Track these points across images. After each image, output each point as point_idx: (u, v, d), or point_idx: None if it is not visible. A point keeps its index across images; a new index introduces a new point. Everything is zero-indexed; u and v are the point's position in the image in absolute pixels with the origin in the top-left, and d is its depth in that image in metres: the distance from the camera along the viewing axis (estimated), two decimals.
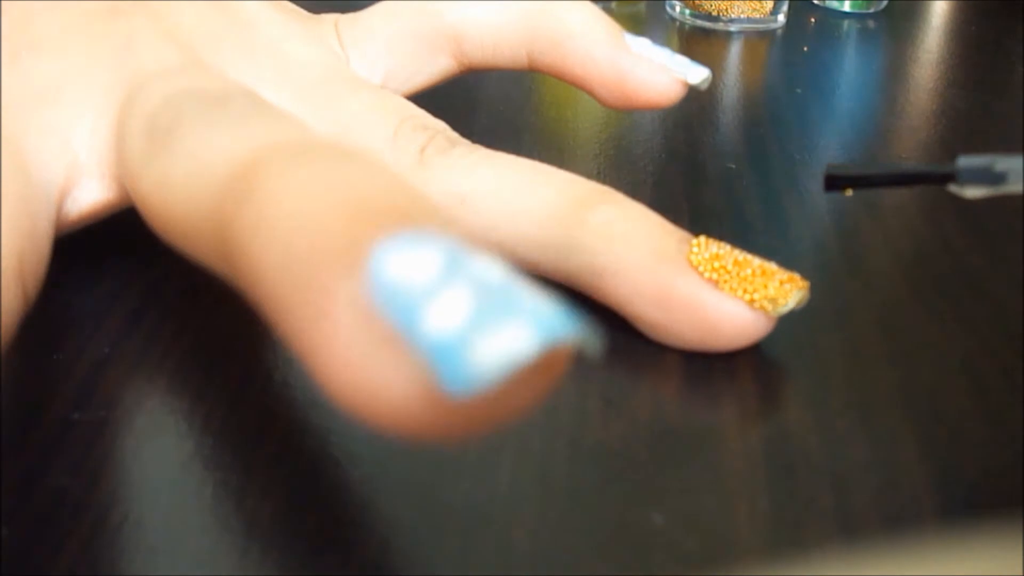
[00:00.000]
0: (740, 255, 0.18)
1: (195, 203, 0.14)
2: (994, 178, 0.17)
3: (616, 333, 0.19)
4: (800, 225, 0.24)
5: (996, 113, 0.32)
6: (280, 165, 0.13)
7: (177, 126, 0.16)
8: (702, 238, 0.19)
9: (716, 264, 0.18)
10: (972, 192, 0.17)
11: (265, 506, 0.15)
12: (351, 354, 0.10)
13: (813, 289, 0.21)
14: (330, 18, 0.24)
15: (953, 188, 0.17)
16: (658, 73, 0.22)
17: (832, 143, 0.29)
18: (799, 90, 0.34)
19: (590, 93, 0.23)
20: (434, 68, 0.24)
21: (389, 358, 0.10)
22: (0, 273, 0.15)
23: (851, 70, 0.38)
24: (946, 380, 0.18)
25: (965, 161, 0.17)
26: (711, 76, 0.23)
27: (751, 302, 0.18)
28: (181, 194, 0.15)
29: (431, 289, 0.10)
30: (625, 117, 0.31)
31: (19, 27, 0.21)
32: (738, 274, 0.18)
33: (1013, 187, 0.17)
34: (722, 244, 0.18)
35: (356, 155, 0.13)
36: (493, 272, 0.11)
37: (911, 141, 0.30)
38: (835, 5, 0.44)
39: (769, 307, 0.18)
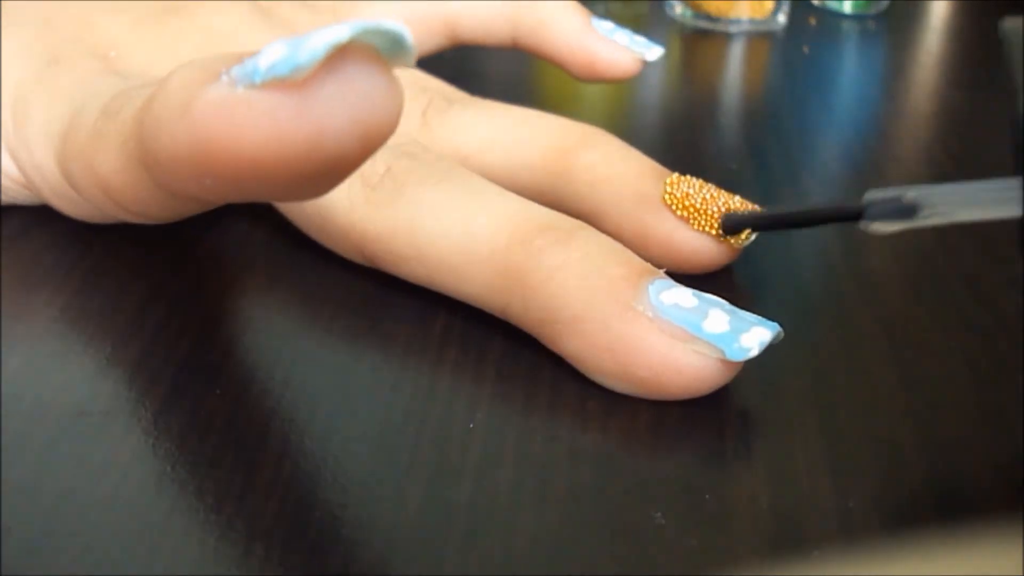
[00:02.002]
0: (708, 193, 0.20)
1: (464, 255, 0.18)
2: (905, 211, 0.15)
3: None
4: None
5: (996, 113, 0.32)
6: (555, 235, 0.18)
7: (403, 186, 0.19)
8: (675, 176, 0.21)
9: (687, 203, 0.20)
10: (886, 228, 0.15)
11: (267, 506, 0.15)
12: (658, 346, 0.17)
13: (813, 289, 0.21)
14: (327, 5, 0.26)
15: (865, 226, 0.16)
16: (620, 52, 0.26)
17: (832, 143, 0.30)
18: (799, 90, 0.34)
19: (563, 69, 0.27)
20: (428, 45, 0.28)
21: (687, 347, 0.17)
22: None
23: (851, 71, 0.38)
24: (946, 380, 0.18)
25: (872, 195, 0.16)
26: (664, 52, 0.27)
27: (717, 236, 0.20)
28: (442, 244, 0.18)
29: (701, 308, 0.17)
30: (626, 117, 0.31)
31: (86, 30, 0.21)
32: (705, 211, 0.20)
33: (928, 219, 0.15)
34: (692, 182, 0.21)
35: (590, 227, 0.18)
36: (719, 299, 0.17)
37: (911, 141, 0.30)
38: (836, 6, 0.44)
39: (732, 240, 0.20)
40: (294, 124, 0.13)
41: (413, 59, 0.13)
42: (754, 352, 0.16)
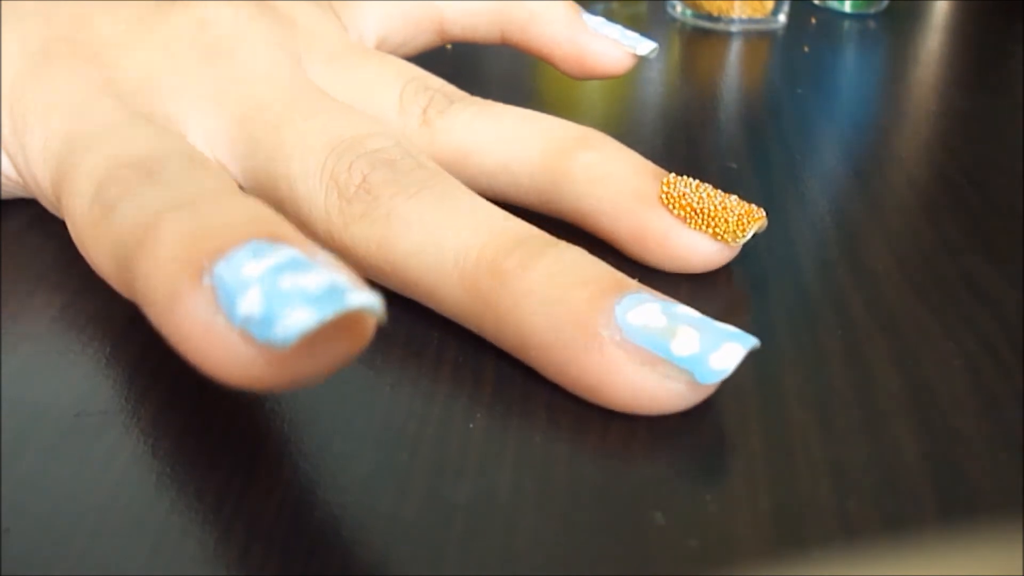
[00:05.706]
0: (705, 192, 0.20)
1: (435, 274, 0.18)
2: None
3: None
4: (800, 225, 0.24)
5: (996, 113, 0.32)
6: (520, 258, 0.17)
7: (378, 199, 0.18)
8: (672, 177, 0.21)
9: (683, 202, 0.20)
10: None
11: (267, 506, 0.15)
12: (626, 375, 0.16)
13: (813, 289, 0.21)
14: (326, 5, 0.26)
15: None
16: (611, 47, 0.26)
17: (832, 143, 0.30)
18: (799, 90, 0.34)
19: (553, 66, 0.27)
20: (418, 42, 0.28)
21: (656, 372, 0.16)
22: None
23: (851, 70, 0.38)
24: (946, 380, 0.18)
25: None
26: (657, 48, 0.26)
27: (714, 235, 0.20)
28: (414, 263, 0.18)
29: (670, 328, 0.16)
30: (626, 117, 0.31)
31: (82, 28, 0.21)
32: (702, 211, 0.20)
33: None
34: (689, 182, 0.21)
35: (559, 243, 0.18)
36: (690, 310, 0.17)
37: (911, 141, 0.30)
38: (836, 6, 0.44)
39: (729, 238, 0.20)
40: (269, 371, 0.13)
41: (383, 315, 0.13)
42: (725, 374, 0.16)
